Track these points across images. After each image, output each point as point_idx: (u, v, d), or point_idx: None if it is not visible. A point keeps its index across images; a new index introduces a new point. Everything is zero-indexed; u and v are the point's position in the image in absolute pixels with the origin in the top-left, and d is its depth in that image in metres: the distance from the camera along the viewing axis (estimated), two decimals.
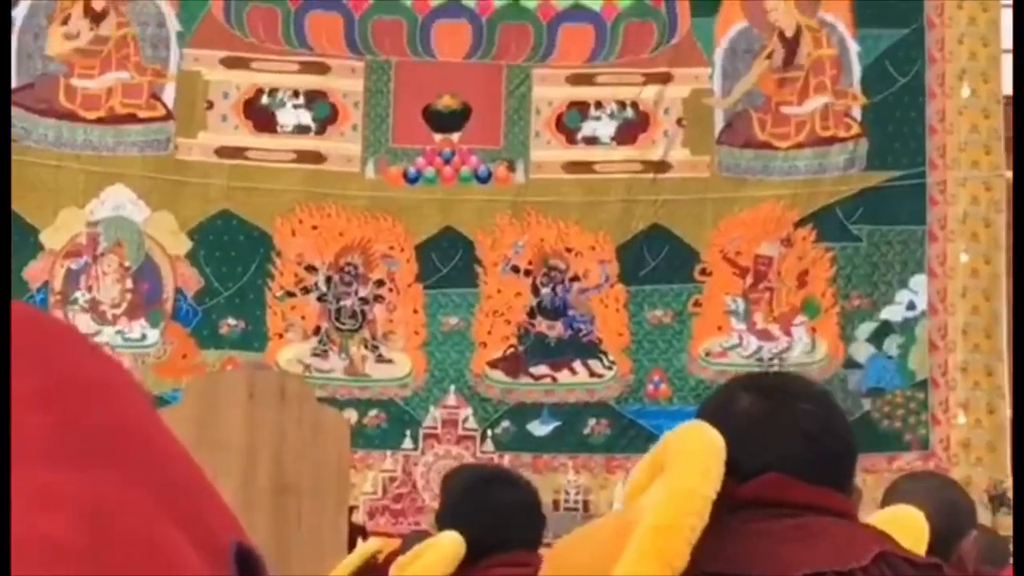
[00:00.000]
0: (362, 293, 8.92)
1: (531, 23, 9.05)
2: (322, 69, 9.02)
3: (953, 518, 2.23)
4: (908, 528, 1.86)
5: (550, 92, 9.07)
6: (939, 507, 2.14)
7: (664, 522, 1.31)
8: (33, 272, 8.73)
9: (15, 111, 8.68)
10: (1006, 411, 8.13)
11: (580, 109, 9.05)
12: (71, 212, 8.85)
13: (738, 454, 1.35)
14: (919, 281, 8.74)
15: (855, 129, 8.91)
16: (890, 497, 2.42)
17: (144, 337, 8.81)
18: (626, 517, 1.44)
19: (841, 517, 1.44)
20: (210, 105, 8.96)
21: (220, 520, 0.52)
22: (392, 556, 3.57)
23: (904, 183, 8.78)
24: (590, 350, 8.96)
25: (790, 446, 1.42)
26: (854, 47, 8.97)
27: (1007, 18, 8.89)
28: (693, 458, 1.37)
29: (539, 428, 8.90)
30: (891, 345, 8.81)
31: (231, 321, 8.86)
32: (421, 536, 3.11)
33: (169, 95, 8.96)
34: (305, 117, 9.04)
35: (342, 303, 8.96)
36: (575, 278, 9.02)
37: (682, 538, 1.28)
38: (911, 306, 8.77)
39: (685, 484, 1.34)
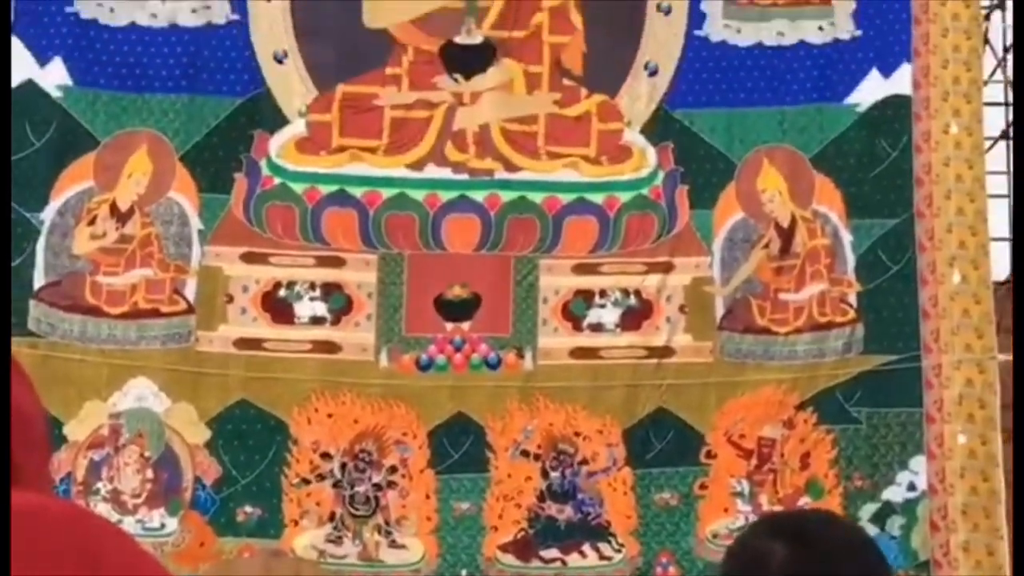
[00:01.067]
0: (376, 479, 9.03)
1: (537, 216, 9.38)
2: (338, 263, 9.30)
3: None
4: None
5: (556, 281, 9.34)
6: None
7: None
8: (57, 464, 8.78)
9: (42, 308, 9.00)
10: None
11: (585, 297, 9.30)
12: (95, 405, 9.02)
13: None
14: (918, 462, 8.88)
15: (851, 315, 9.16)
16: None
17: (163, 526, 8.90)
18: None
19: None
20: (230, 299, 9.21)
21: None
22: None
23: (900, 367, 9.00)
24: (599, 533, 9.03)
25: None
26: (847, 236, 9.25)
27: (994, 207, 9.42)
28: None
29: None
30: (893, 526, 8.88)
31: (248, 509, 8.94)
32: None
33: (191, 290, 9.21)
34: (321, 308, 9.27)
35: (356, 489, 9.05)
36: (583, 461, 9.13)
37: None
38: (911, 487, 8.88)
39: None
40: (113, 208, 9.22)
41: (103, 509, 8.72)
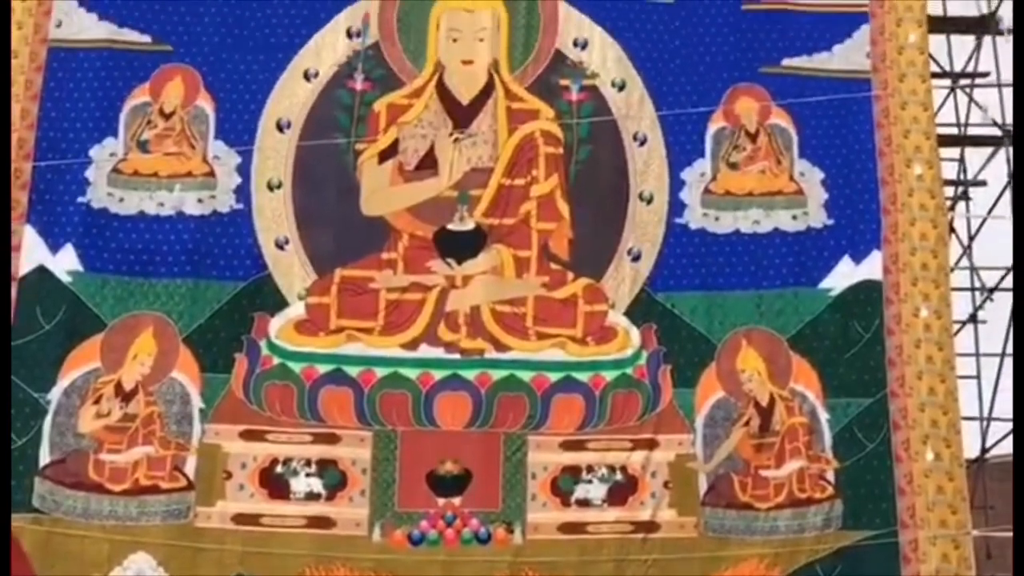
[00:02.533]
0: None
1: (526, 394, 9.53)
2: (333, 439, 9.43)
3: None
4: None
5: (545, 457, 9.44)
6: None
7: None
8: None
9: (47, 485, 9.10)
10: None
11: (573, 473, 9.40)
12: (101, 570, 9.04)
13: None
14: None
15: (830, 491, 9.27)
16: None
17: None
18: None
19: None
20: (228, 475, 9.31)
21: None
22: None
23: (878, 542, 9.09)
24: None
25: None
26: (824, 415, 9.43)
27: (964, 387, 9.76)
28: None
29: None
30: None
31: None
32: None
33: (191, 467, 9.31)
34: (316, 484, 9.34)
35: None
36: None
37: None
38: None
39: None
40: (118, 388, 9.41)
41: None
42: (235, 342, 9.61)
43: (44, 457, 9.23)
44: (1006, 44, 10.73)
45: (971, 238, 10.71)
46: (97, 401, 9.42)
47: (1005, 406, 10.34)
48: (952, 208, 10.49)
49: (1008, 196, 10.35)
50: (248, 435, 9.45)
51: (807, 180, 10.08)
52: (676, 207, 10.03)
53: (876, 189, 9.96)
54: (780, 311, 9.72)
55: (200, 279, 9.67)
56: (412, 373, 9.61)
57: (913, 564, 8.99)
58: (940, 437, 9.24)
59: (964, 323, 10.31)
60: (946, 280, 9.75)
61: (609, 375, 9.63)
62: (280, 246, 9.83)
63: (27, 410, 9.25)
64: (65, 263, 9.65)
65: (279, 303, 9.74)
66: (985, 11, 10.92)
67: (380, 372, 9.59)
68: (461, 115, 10.35)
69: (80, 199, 9.77)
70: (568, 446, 9.50)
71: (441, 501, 9.35)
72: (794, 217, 9.96)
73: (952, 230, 10.29)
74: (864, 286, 9.69)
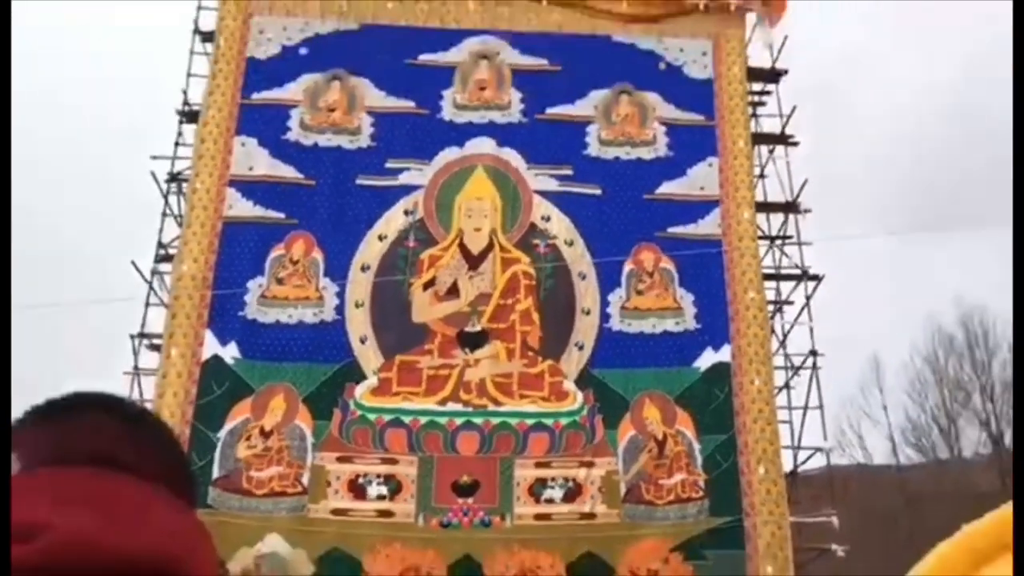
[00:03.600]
0: None
1: (513, 433, 10.40)
2: (393, 462, 10.21)
3: None
4: None
5: (525, 473, 10.27)
6: None
7: None
8: None
9: (217, 491, 9.82)
10: None
11: (542, 483, 10.24)
12: (245, 550, 9.24)
13: None
14: None
15: (701, 493, 10.17)
16: None
17: None
18: None
19: None
20: (329, 484, 10.09)
21: None
22: None
23: (731, 525, 10.00)
24: None
25: None
26: (697, 446, 10.29)
27: (783, 428, 10.78)
28: None
29: None
30: None
31: None
32: None
33: (306, 479, 10.11)
34: (383, 490, 10.11)
35: None
36: None
37: None
38: None
39: None
40: (261, 430, 10.27)
41: None
42: (334, 402, 10.40)
43: (215, 473, 10.01)
44: (804, 219, 11.67)
45: (784, 335, 11.47)
46: (248, 438, 10.23)
47: (809, 438, 11.06)
48: (773, 317, 11.26)
49: (804, 313, 11.32)
50: (341, 459, 10.23)
51: (684, 301, 10.97)
52: (604, 317, 10.92)
53: (726, 306, 10.87)
54: (669, 380, 10.56)
55: (313, 363, 10.49)
56: (442, 420, 10.41)
57: (752, 539, 9.89)
58: (768, 459, 10.18)
59: (781, 388, 10.97)
60: (769, 362, 10.71)
61: (564, 420, 10.48)
62: (362, 341, 10.68)
63: (206, 445, 10.04)
64: (230, 353, 10.52)
65: (361, 377, 10.53)
66: (791, 198, 11.91)
67: (423, 420, 10.40)
68: (473, 262, 11.22)
69: (240, 313, 10.66)
70: (539, 466, 10.32)
71: (461, 500, 10.14)
72: (676, 323, 10.84)
73: (772, 331, 11.04)
74: (720, 366, 10.57)
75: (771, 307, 11.23)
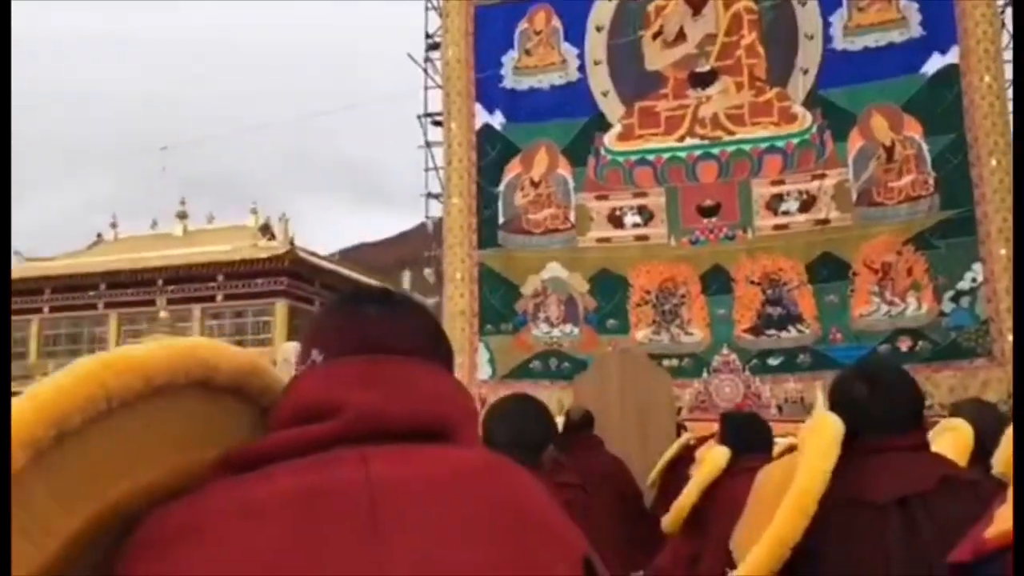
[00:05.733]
0: (674, 302, 10.99)
1: (748, 158, 11.09)
2: (644, 195, 11.29)
3: (992, 428, 1.87)
4: (960, 434, 1.98)
5: (762, 191, 10.99)
6: (983, 422, 2.00)
7: (802, 485, 1.33)
8: (518, 306, 11.43)
9: (503, 233, 11.34)
10: None
11: (778, 197, 10.91)
12: (534, 277, 11.40)
13: (855, 426, 1.37)
14: (977, 267, 10.20)
15: (931, 190, 10.46)
16: (953, 411, 2.26)
17: (572, 332, 11.28)
18: (788, 468, 1.41)
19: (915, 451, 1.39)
20: (591, 219, 11.35)
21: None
22: (701, 440, 3.97)
23: (962, 216, 10.26)
24: (796, 319, 10.68)
25: (882, 415, 1.39)
26: (925, 147, 10.47)
27: None
28: (820, 442, 1.35)
29: (773, 361, 10.61)
30: (964, 302, 10.20)
31: (612, 321, 11.13)
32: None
33: (572, 217, 11.43)
34: (638, 219, 11.24)
35: (664, 307, 11.01)
36: (784, 283, 10.75)
37: (812, 496, 1.31)
38: (973, 280, 10.20)
39: (813, 463, 1.33)
40: (531, 181, 11.68)
41: (543, 327, 11.19)
42: (587, 150, 11.51)
43: (500, 219, 11.63)
44: None
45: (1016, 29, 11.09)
46: (522, 189, 11.57)
47: None
48: (1002, 13, 10.69)
49: None
50: (599, 197, 11.47)
51: (908, 10, 10.85)
52: (827, 39, 11.04)
53: (952, 8, 10.62)
54: (895, 90, 10.63)
55: (566, 119, 11.59)
56: (683, 154, 11.29)
57: (984, 225, 10.14)
58: (1000, 152, 10.10)
59: (1010, 83, 10.43)
60: (999, 57, 10.52)
61: (795, 140, 11.01)
62: (604, 95, 11.60)
63: (489, 197, 11.63)
64: (498, 120, 11.88)
65: (607, 126, 11.54)
66: None
67: (665, 156, 11.34)
68: (695, 6, 11.63)
69: (500, 85, 11.92)
70: (774, 183, 11.02)
71: (705, 220, 11.08)
72: (900, 33, 10.79)
73: (1003, 25, 10.61)
74: (947, 68, 10.49)
75: (999, 2, 10.71)
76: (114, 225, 31.57)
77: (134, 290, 26.38)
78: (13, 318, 27.61)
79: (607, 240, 11.46)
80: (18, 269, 29.02)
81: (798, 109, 11.15)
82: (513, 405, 2.09)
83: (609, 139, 11.62)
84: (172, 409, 0.66)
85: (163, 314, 23.00)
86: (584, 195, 11.60)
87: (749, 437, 2.53)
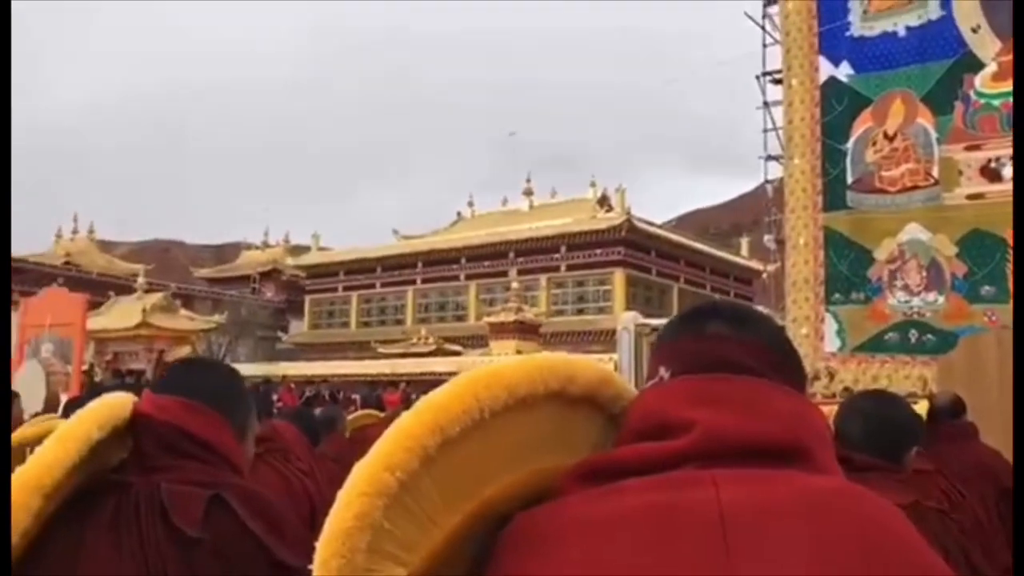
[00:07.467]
0: None
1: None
2: None
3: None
4: None
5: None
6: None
7: None
8: (871, 273, 10.55)
9: (851, 194, 10.47)
10: None
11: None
12: (889, 240, 10.52)
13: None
14: None
15: None
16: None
17: (936, 300, 10.28)
18: None
19: None
20: (960, 172, 10.19)
21: None
22: None
23: None
24: None
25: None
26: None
27: None
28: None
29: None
30: None
31: (987, 288, 9.90)
32: None
33: (935, 171, 10.28)
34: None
35: None
36: None
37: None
38: None
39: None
40: (885, 135, 10.62)
41: (901, 296, 10.17)
42: (953, 95, 10.18)
43: (848, 179, 10.75)
44: None
45: None
46: (874, 144, 10.71)
47: None
48: None
49: None
50: (969, 148, 10.19)
51: None
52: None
53: None
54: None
55: (925, 63, 10.38)
56: None
57: None
58: None
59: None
60: None
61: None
62: (974, 31, 10.21)
63: (835, 155, 10.75)
64: (844, 71, 11.03)
65: (979, 65, 10.18)
66: None
67: None
68: None
69: (847, 34, 11.02)
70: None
71: None
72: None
73: None
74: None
75: None
76: (471, 204, 34.35)
77: (490, 263, 28.55)
78: (393, 288, 31.24)
79: (980, 196, 10.14)
80: (395, 246, 32.73)
81: None
82: (871, 405, 1.94)
83: (981, 80, 10.23)
84: (533, 418, 0.72)
85: (515, 284, 24.57)
86: (950, 147, 10.37)
87: None
